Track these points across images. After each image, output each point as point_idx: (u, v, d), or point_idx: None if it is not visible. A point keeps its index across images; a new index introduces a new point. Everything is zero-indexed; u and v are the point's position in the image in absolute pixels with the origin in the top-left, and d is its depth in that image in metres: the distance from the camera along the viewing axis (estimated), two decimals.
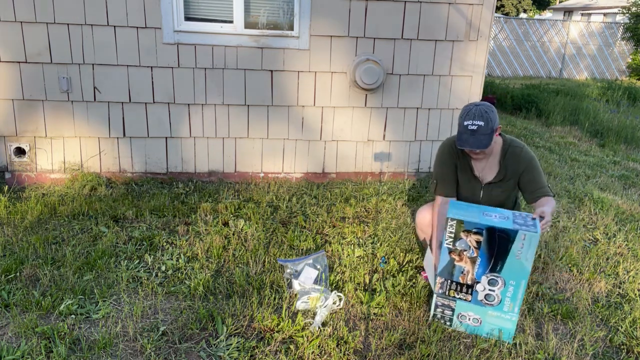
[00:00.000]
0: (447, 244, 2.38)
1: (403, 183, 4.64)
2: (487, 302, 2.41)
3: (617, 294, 2.96)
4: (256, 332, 2.42)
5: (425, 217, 2.85)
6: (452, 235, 2.35)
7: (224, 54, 4.19)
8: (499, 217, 2.34)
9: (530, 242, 2.24)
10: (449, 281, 2.44)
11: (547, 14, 36.88)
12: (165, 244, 3.28)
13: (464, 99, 4.58)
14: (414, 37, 4.36)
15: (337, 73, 4.38)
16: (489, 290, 2.38)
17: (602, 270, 3.24)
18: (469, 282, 2.41)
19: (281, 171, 4.62)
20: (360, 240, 3.44)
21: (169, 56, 4.13)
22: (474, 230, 2.30)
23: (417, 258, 3.21)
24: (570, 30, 17.03)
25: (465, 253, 2.36)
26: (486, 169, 2.70)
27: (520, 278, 2.32)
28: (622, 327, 2.63)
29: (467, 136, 2.46)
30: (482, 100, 2.63)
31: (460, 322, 2.50)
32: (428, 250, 2.75)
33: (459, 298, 2.45)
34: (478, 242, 2.32)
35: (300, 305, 2.60)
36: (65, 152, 4.26)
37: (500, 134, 2.66)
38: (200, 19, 4.17)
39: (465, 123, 2.46)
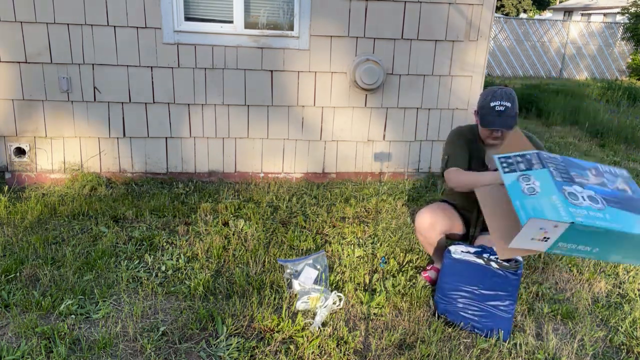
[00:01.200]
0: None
1: (403, 183, 4.64)
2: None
3: (617, 294, 2.96)
4: (256, 332, 2.42)
5: (424, 220, 2.82)
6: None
7: (224, 54, 4.19)
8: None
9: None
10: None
11: (547, 14, 36.88)
12: (165, 244, 3.28)
13: (464, 99, 4.59)
14: (414, 37, 4.36)
15: (337, 73, 4.38)
16: None
17: (602, 270, 3.24)
18: None
19: (281, 171, 4.62)
20: (360, 240, 3.44)
21: (169, 56, 4.13)
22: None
23: (417, 258, 3.22)
24: (570, 30, 17.03)
25: None
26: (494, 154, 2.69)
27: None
28: (622, 327, 2.63)
29: (493, 117, 2.47)
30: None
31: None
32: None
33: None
34: None
35: (300, 305, 2.60)
36: (65, 152, 4.26)
37: None
38: (200, 19, 4.17)
39: (492, 104, 2.47)
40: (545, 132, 7.58)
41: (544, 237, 1.92)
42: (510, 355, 2.35)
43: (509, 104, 2.46)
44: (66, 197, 3.97)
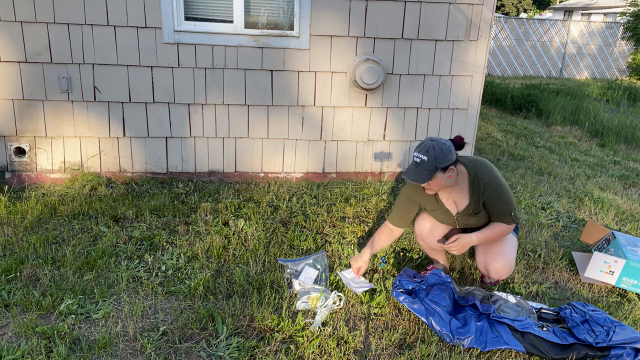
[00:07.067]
0: None
1: (403, 183, 4.64)
2: None
3: (617, 294, 2.96)
4: (256, 332, 2.42)
5: (424, 226, 2.82)
6: None
7: (224, 53, 4.19)
8: None
9: None
10: None
11: (547, 14, 36.87)
12: (165, 243, 3.28)
13: (465, 98, 4.58)
14: (414, 37, 4.35)
15: (337, 73, 4.38)
16: None
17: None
18: None
19: (281, 171, 4.62)
20: (361, 240, 3.44)
21: (169, 56, 4.13)
22: None
23: (418, 258, 3.22)
24: (571, 29, 17.02)
25: None
26: (453, 199, 2.64)
27: None
28: None
29: (411, 166, 2.45)
30: (452, 138, 2.57)
31: None
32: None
33: None
34: None
35: (300, 305, 2.60)
36: (66, 152, 4.26)
37: (463, 164, 2.55)
38: (200, 19, 4.17)
39: (414, 153, 2.45)
40: (545, 132, 7.58)
41: (610, 271, 2.93)
42: (511, 355, 2.35)
43: (425, 158, 2.36)
44: (66, 196, 3.97)
